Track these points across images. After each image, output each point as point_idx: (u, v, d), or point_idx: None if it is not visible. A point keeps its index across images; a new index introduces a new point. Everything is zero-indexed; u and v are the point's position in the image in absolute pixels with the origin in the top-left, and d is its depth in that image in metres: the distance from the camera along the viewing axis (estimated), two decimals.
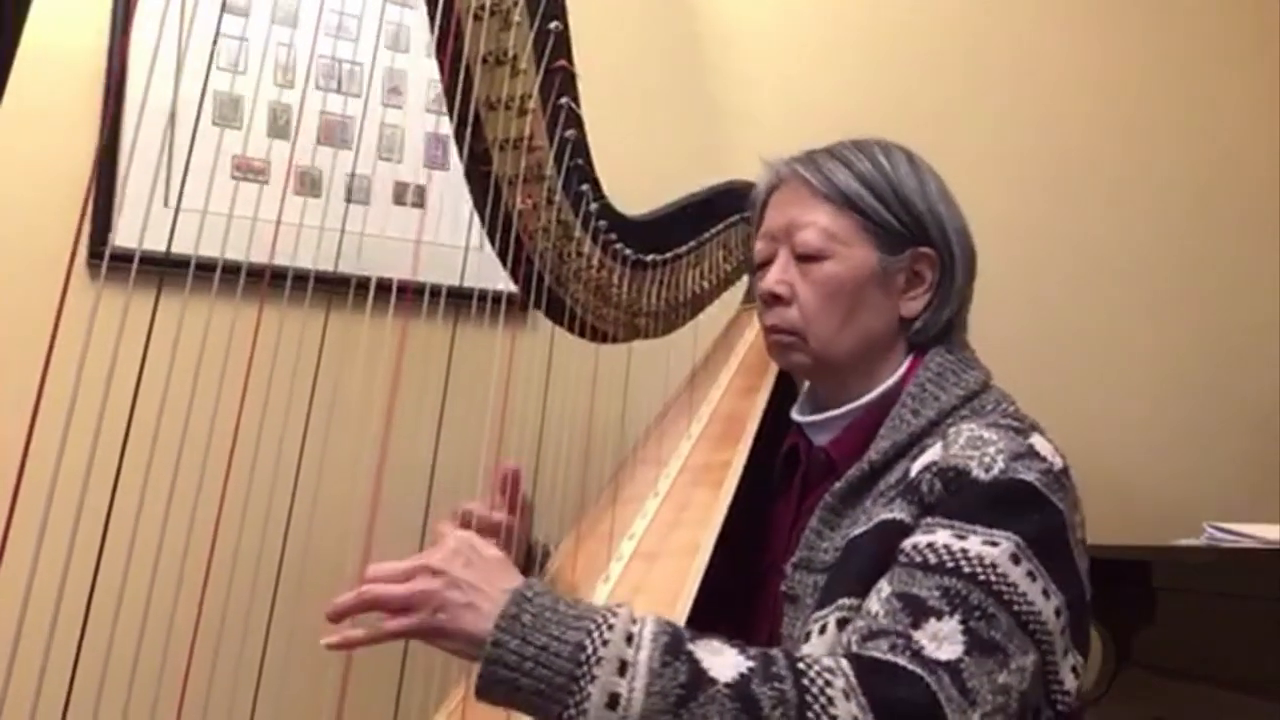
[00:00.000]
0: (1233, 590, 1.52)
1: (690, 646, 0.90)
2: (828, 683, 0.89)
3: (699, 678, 0.87)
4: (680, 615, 1.06)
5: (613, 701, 0.86)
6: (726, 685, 0.87)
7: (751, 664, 0.89)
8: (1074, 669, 1.04)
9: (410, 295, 1.35)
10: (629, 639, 0.89)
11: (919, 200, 1.19)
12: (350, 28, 1.66)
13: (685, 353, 1.47)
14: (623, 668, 0.87)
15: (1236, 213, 2.21)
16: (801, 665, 0.90)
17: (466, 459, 1.24)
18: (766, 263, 1.23)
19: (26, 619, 0.85)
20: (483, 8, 1.12)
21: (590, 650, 0.87)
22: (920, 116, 1.96)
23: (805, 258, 1.19)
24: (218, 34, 1.54)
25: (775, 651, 0.92)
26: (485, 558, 0.96)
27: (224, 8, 1.56)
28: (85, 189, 1.48)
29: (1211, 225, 2.19)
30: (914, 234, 1.19)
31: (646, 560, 1.19)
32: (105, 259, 1.37)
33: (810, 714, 0.87)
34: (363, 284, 1.39)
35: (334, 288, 1.40)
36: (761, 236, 1.25)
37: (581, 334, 1.34)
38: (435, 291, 1.44)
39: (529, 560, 1.31)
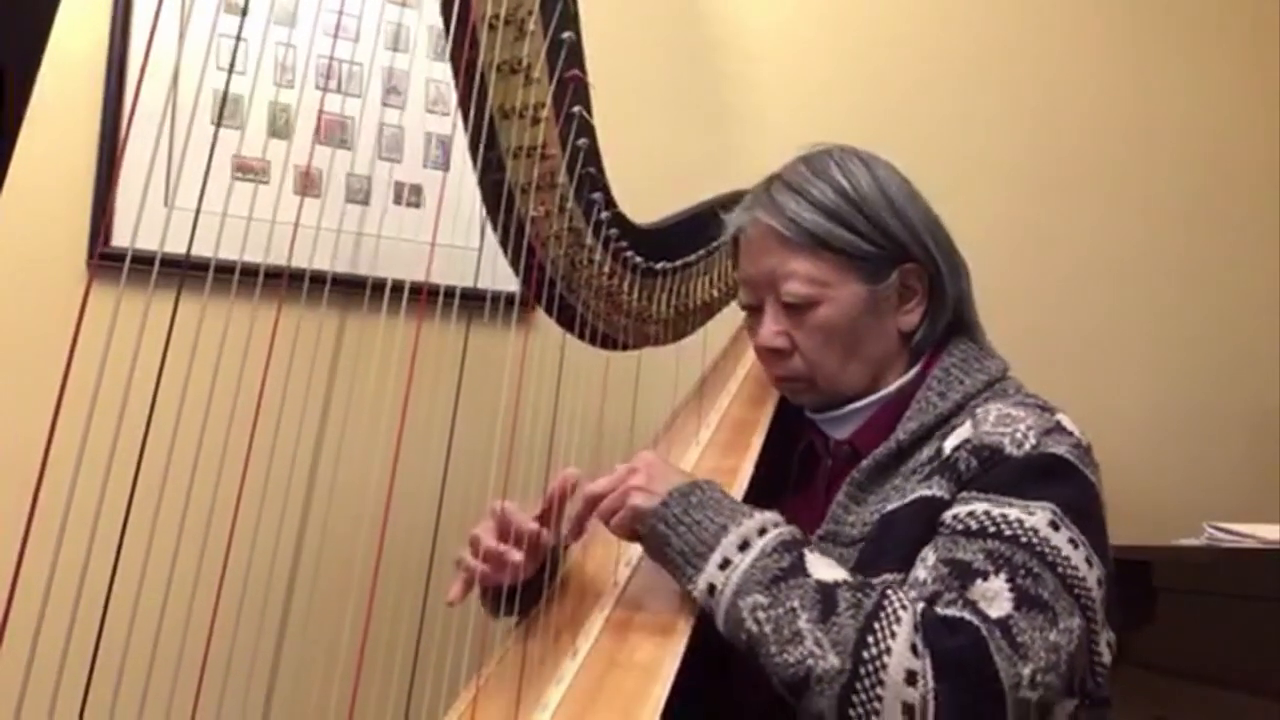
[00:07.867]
0: (1233, 590, 1.53)
1: (804, 550, 1.03)
2: (900, 611, 0.96)
3: (798, 570, 1.00)
4: (689, 617, 1.07)
5: (724, 564, 1.02)
6: (818, 581, 0.99)
7: (848, 578, 1.00)
8: (1109, 644, 1.07)
9: (424, 297, 1.35)
10: (761, 531, 1.04)
11: (888, 216, 1.18)
12: (350, 28, 1.65)
13: (694, 360, 1.47)
14: (744, 545, 1.02)
15: (1236, 213, 2.21)
16: (889, 591, 0.98)
17: (477, 465, 1.24)
18: (754, 308, 1.23)
19: (12, 618, 0.82)
20: (497, 17, 1.13)
21: (729, 533, 1.04)
22: (927, 120, 1.98)
23: (794, 306, 1.19)
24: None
25: (875, 580, 1.01)
26: (667, 468, 1.14)
27: (223, 8, 1.55)
28: (89, 188, 1.47)
29: (1211, 225, 2.20)
30: (893, 253, 1.18)
31: (655, 564, 1.19)
32: (83, 257, 1.35)
33: (877, 625, 0.94)
34: (358, 283, 1.39)
35: (334, 288, 1.41)
36: (743, 283, 1.25)
37: (592, 341, 1.34)
38: (449, 293, 1.44)
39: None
